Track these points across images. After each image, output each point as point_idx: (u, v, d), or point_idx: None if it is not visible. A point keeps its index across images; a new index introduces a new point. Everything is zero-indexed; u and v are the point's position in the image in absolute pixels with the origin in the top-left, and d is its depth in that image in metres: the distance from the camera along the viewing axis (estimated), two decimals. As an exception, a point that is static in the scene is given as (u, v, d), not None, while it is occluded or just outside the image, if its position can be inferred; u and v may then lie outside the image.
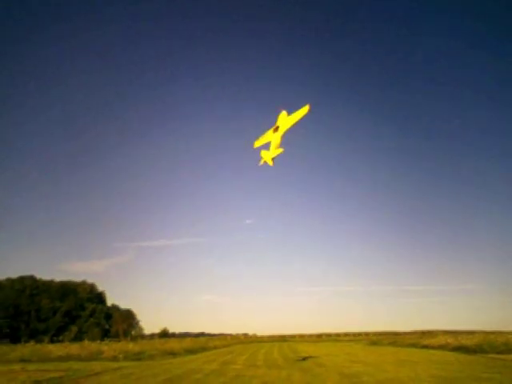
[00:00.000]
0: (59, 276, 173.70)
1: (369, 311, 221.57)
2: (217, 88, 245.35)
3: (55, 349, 46.32)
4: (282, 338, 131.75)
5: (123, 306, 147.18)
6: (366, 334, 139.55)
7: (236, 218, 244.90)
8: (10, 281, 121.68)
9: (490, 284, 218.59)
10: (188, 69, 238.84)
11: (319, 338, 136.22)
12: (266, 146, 26.63)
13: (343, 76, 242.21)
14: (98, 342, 62.22)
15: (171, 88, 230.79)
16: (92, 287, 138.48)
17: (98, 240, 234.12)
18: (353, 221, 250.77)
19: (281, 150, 25.86)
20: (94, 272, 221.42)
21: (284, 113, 25.86)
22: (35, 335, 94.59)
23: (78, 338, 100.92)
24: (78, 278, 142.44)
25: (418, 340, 65.33)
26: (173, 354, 47.49)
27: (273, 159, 26.34)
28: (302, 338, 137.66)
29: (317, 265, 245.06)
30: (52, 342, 78.23)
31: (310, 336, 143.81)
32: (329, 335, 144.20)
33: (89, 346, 51.52)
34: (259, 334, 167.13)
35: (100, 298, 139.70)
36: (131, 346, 49.37)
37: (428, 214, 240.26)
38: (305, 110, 24.74)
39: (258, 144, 27.31)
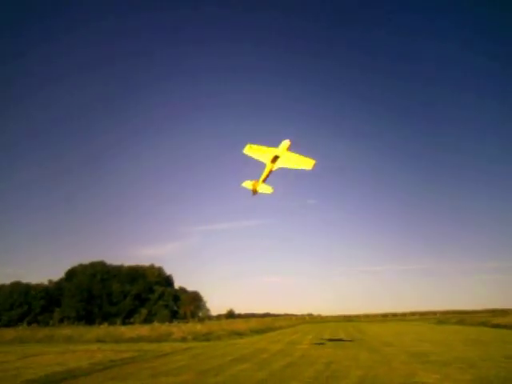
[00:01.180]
0: (128, 261, 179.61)
1: (436, 290, 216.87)
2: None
3: (127, 330, 48.08)
4: (347, 318, 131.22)
5: (190, 288, 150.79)
6: (434, 313, 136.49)
7: (298, 198, 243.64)
8: (83, 267, 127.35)
9: None
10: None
11: (385, 317, 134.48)
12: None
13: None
14: (167, 323, 64.20)
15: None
16: (160, 271, 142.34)
17: (165, 225, 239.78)
18: (417, 196, 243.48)
19: (270, 190, 25.30)
20: (161, 256, 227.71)
21: (287, 143, 24.19)
22: (108, 318, 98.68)
23: (147, 320, 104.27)
24: (146, 263, 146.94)
25: (489, 319, 62.95)
26: (239, 334, 48.22)
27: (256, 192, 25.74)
28: (368, 318, 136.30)
29: (382, 244, 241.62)
30: (123, 324, 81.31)
31: (376, 316, 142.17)
32: (395, 315, 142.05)
33: (158, 327, 53.20)
34: (324, 314, 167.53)
35: (168, 280, 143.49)
36: (199, 327, 50.49)
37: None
38: (309, 164, 24.01)
39: (249, 149, 24.84)
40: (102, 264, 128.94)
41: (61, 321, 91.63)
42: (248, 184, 26.40)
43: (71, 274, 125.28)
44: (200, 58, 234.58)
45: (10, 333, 52.76)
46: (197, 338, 42.09)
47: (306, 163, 23.93)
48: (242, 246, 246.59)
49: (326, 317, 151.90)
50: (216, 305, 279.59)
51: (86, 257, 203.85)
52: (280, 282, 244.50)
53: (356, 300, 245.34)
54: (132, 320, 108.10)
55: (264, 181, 25.28)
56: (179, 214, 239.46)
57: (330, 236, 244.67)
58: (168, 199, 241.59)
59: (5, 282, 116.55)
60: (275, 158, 24.43)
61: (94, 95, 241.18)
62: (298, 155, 24.16)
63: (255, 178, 26.33)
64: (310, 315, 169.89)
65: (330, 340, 36.72)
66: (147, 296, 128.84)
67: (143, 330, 47.67)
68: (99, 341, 41.64)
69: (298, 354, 24.70)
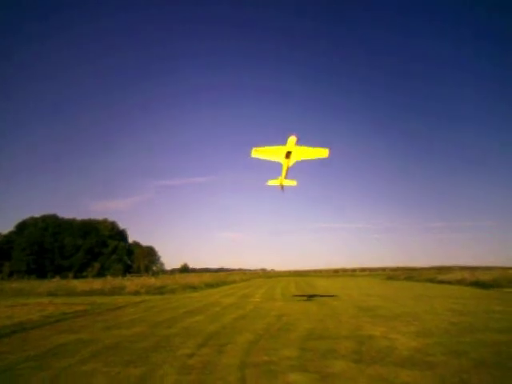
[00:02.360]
0: (81, 215, 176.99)
1: (385, 247, 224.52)
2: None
3: (80, 284, 47.88)
4: (299, 273, 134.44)
5: (144, 243, 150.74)
6: (383, 269, 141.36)
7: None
8: (34, 220, 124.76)
9: (509, 220, 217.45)
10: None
11: (336, 273, 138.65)
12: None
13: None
14: (121, 277, 64.11)
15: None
16: (113, 225, 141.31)
17: (119, 179, 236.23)
18: (375, 156, 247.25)
19: (294, 183, 25.72)
20: (114, 211, 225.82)
21: (294, 139, 24.40)
22: (60, 271, 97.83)
23: (100, 274, 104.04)
24: (99, 217, 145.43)
25: (435, 275, 65.70)
26: (193, 288, 48.77)
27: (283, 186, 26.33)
28: (319, 273, 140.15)
29: (335, 201, 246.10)
30: (76, 277, 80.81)
31: (327, 271, 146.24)
32: (345, 270, 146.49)
33: (112, 281, 53.11)
34: (277, 269, 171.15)
35: (121, 235, 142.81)
36: (153, 281, 50.76)
37: (447, 153, 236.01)
38: (324, 152, 24.23)
39: (255, 152, 25.31)
40: (53, 217, 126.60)
41: (10, 274, 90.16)
42: (273, 182, 27.07)
43: (22, 226, 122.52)
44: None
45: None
46: (150, 291, 42.30)
47: (320, 152, 24.34)
48: (197, 201, 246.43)
49: (279, 272, 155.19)
50: (170, 260, 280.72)
51: (38, 210, 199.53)
52: (234, 237, 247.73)
53: (308, 256, 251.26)
54: (85, 274, 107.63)
55: (286, 177, 25.76)
56: (133, 168, 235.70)
57: (283, 193, 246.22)
58: (123, 153, 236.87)
59: None
60: (288, 154, 24.71)
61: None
62: (309, 147, 24.50)
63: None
64: (263, 270, 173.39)
65: (282, 294, 37.62)
66: (100, 250, 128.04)
67: (96, 283, 47.55)
68: (51, 294, 41.24)
69: (249, 307, 25.20)
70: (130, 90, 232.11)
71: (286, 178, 26.20)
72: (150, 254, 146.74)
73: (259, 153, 25.11)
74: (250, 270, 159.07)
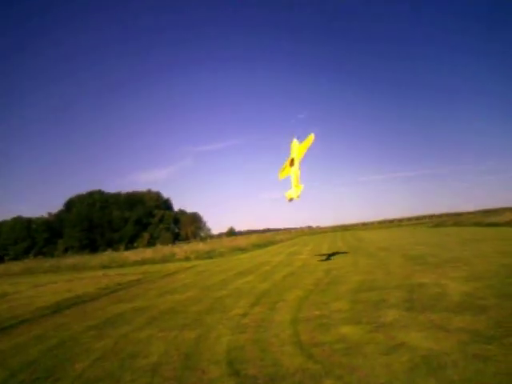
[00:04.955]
0: (125, 188, 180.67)
1: (431, 194, 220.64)
2: None
3: (131, 255, 49.19)
4: (345, 228, 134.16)
5: (189, 210, 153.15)
6: (430, 216, 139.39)
7: (288, 113, 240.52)
8: (81, 197, 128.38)
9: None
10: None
11: (381, 224, 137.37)
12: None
13: None
14: (170, 245, 65.46)
15: None
16: (158, 195, 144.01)
17: (158, 149, 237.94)
18: (414, 100, 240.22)
19: (301, 187, 24.83)
20: (157, 181, 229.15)
21: (295, 141, 25.11)
22: (111, 244, 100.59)
23: (150, 243, 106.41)
24: (143, 188, 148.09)
25: (483, 219, 64.05)
26: (241, 250, 49.49)
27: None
28: (365, 226, 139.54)
29: (378, 152, 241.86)
30: (127, 249, 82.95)
31: (372, 224, 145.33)
32: (391, 221, 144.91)
33: (161, 249, 54.39)
34: (322, 225, 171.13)
35: (167, 204, 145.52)
36: (201, 246, 51.71)
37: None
38: (311, 139, 24.16)
39: (282, 177, 26.51)
40: (99, 193, 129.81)
41: (65, 251, 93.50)
42: (290, 194, 25.69)
43: (70, 205, 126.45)
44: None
45: (18, 265, 54.10)
46: (199, 256, 43.17)
47: (308, 142, 24.41)
48: (236, 165, 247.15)
49: (325, 228, 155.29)
50: (216, 224, 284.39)
51: (83, 187, 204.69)
52: (278, 197, 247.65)
53: (353, 210, 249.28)
54: (135, 245, 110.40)
55: (298, 184, 25.28)
56: (171, 136, 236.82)
57: (323, 148, 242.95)
58: (159, 122, 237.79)
59: (6, 218, 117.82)
60: (292, 161, 25.17)
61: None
62: (301, 143, 24.79)
63: None
64: (309, 227, 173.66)
65: (329, 249, 37.73)
66: (148, 220, 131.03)
67: (147, 253, 48.77)
68: (104, 267, 42.65)
69: (298, 264, 25.42)
70: (166, 57, 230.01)
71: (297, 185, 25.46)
72: (195, 220, 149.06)
73: (284, 174, 26.12)
74: (295, 229, 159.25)
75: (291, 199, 25.25)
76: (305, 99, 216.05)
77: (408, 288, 12.82)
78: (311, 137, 24.05)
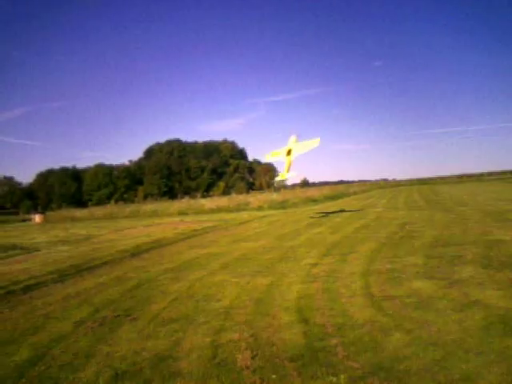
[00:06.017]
0: (201, 138, 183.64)
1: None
2: None
3: (207, 202, 50.55)
4: (422, 182, 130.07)
5: (263, 160, 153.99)
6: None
7: (363, 60, 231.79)
8: (160, 145, 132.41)
9: None
10: None
11: (460, 179, 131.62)
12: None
13: None
14: (244, 194, 66.48)
15: None
16: (233, 145, 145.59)
17: (231, 99, 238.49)
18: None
19: (287, 175, 28.80)
20: (231, 130, 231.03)
21: (294, 138, 27.92)
22: (188, 192, 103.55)
23: (225, 192, 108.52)
24: (218, 138, 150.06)
25: None
26: (314, 201, 49.48)
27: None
28: (442, 180, 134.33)
29: (457, 103, 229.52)
30: (203, 197, 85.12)
31: (451, 178, 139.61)
32: (470, 176, 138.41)
33: (236, 198, 55.46)
34: (398, 178, 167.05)
35: (242, 154, 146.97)
36: (275, 196, 52.11)
37: None
38: (315, 142, 26.53)
39: (268, 158, 31.24)
40: (177, 142, 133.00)
41: (144, 198, 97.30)
42: (280, 176, 30.42)
43: (149, 153, 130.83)
44: None
45: (100, 210, 57.26)
46: (273, 206, 43.63)
47: (313, 143, 26.85)
48: (309, 115, 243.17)
49: (400, 181, 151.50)
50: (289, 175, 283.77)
51: (161, 136, 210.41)
52: (352, 149, 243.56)
53: (430, 163, 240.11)
54: (211, 193, 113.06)
55: (288, 171, 28.57)
56: (243, 86, 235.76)
57: (400, 99, 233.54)
58: (230, 72, 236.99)
59: (89, 164, 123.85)
60: (289, 152, 27.71)
61: None
62: (304, 142, 27.58)
63: None
64: (385, 180, 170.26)
65: (405, 203, 36.92)
66: (223, 170, 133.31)
67: (222, 201, 49.86)
68: (181, 213, 44.23)
69: (371, 216, 25.07)
70: (240, 6, 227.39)
71: (288, 171, 28.79)
72: (269, 170, 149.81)
73: (272, 156, 30.30)
74: (369, 181, 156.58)
75: (281, 180, 28.96)
76: (381, 46, 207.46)
77: (486, 244, 12.38)
78: (317, 140, 26.56)
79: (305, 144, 27.40)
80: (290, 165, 28.03)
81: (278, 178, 33.87)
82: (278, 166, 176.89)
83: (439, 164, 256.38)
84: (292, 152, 27.61)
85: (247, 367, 5.40)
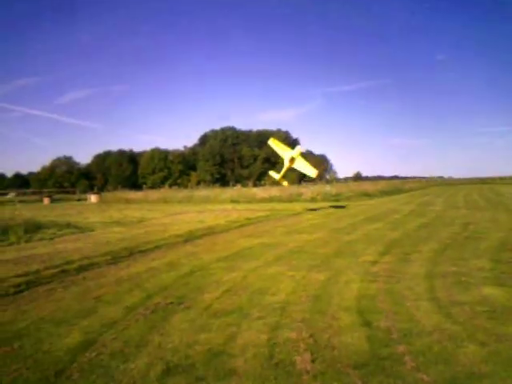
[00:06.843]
0: (255, 127, 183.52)
1: None
2: None
3: (259, 191, 50.35)
4: (482, 181, 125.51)
5: (317, 151, 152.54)
6: None
7: (424, 53, 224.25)
8: (214, 133, 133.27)
9: None
10: None
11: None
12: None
13: None
14: (297, 185, 65.85)
15: None
16: (286, 135, 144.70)
17: (287, 89, 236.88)
18: None
19: (286, 184, 32.44)
20: (285, 121, 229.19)
21: (299, 149, 29.42)
22: (240, 180, 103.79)
23: (277, 182, 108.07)
24: (272, 127, 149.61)
25: None
26: (368, 195, 48.41)
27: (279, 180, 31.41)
28: (504, 180, 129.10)
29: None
30: (255, 186, 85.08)
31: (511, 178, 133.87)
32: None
33: (288, 188, 54.93)
34: (455, 177, 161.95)
35: (295, 144, 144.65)
36: (328, 188, 51.32)
37: None
38: (313, 173, 29.11)
39: (270, 142, 30.86)
40: (232, 129, 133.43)
41: (197, 183, 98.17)
42: (273, 174, 32.31)
43: (204, 139, 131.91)
44: None
45: (154, 193, 58.27)
46: (325, 198, 42.99)
47: (310, 171, 28.99)
48: (366, 107, 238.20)
49: (458, 179, 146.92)
50: (343, 168, 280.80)
51: (217, 124, 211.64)
52: (408, 143, 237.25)
53: (491, 162, 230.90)
54: (263, 182, 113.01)
55: (283, 176, 30.67)
56: (300, 76, 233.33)
57: (459, 95, 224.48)
58: (290, 61, 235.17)
59: (145, 148, 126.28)
60: (292, 160, 28.47)
61: None
62: (306, 162, 29.29)
63: None
64: (441, 178, 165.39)
65: (465, 202, 35.53)
66: (276, 159, 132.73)
67: (274, 190, 49.49)
68: (233, 201, 44.25)
69: (431, 215, 24.13)
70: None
71: (283, 176, 30.80)
72: (322, 162, 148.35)
73: (275, 144, 30.41)
74: (425, 178, 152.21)
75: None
76: (444, 38, 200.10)
77: (561, 252, 11.52)
78: (315, 172, 29.17)
79: (305, 164, 29.01)
80: (286, 170, 29.71)
81: (271, 173, 33.44)
82: (332, 157, 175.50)
83: (500, 164, 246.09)
84: (294, 162, 28.60)
85: (307, 371, 5.01)
